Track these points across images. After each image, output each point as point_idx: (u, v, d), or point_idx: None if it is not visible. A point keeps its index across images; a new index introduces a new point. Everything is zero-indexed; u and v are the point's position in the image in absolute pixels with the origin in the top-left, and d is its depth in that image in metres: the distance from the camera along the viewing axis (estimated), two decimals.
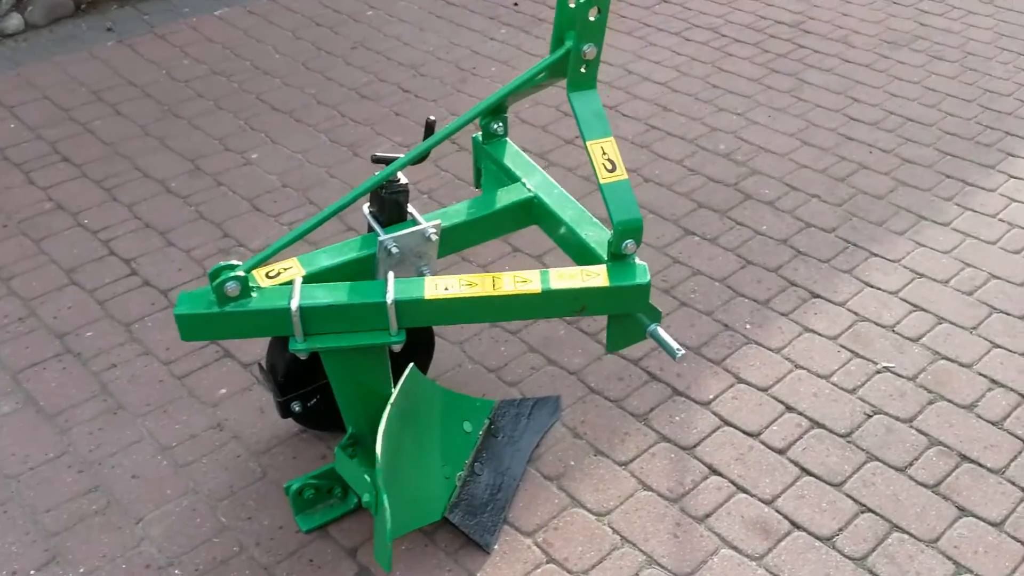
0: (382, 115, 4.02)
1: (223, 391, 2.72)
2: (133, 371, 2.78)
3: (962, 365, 2.78)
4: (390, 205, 2.19)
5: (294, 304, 1.95)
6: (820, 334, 2.90)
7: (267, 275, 2.06)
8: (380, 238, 2.10)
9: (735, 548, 2.29)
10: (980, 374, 2.75)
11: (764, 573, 2.23)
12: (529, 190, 2.31)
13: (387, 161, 2.14)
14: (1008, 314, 2.96)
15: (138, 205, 3.48)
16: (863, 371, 2.77)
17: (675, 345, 2.06)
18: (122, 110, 4.05)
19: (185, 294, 2.01)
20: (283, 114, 4.04)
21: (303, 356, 2.05)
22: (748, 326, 2.93)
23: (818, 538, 2.31)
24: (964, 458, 2.50)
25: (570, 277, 2.03)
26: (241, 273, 1.96)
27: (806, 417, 2.63)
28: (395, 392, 2.04)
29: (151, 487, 2.43)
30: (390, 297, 1.97)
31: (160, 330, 2.92)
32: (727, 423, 2.62)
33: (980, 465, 2.48)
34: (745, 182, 3.58)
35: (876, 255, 3.21)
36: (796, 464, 2.50)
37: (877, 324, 2.93)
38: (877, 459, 2.50)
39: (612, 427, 2.60)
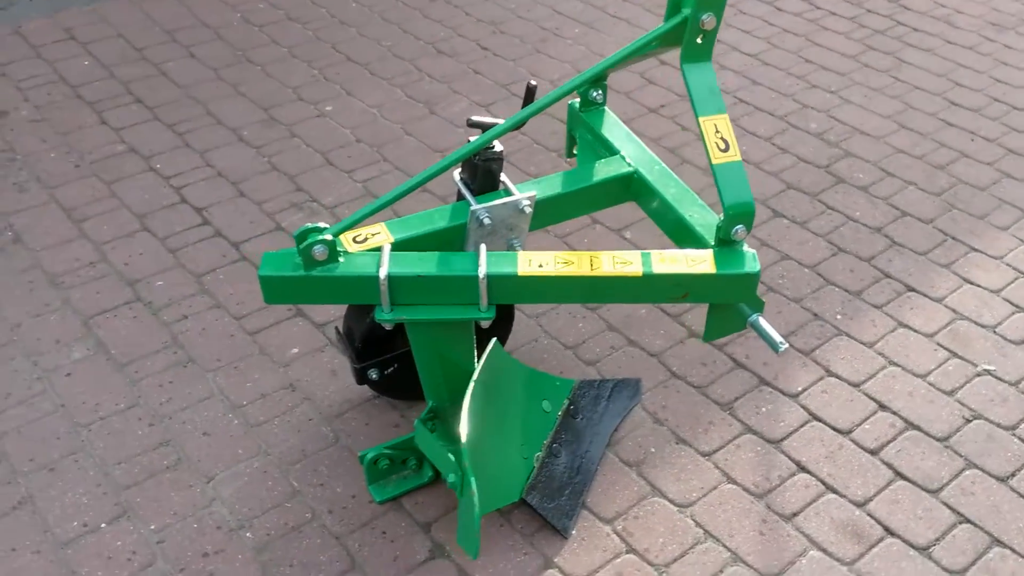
0: (459, 72, 3.90)
1: (295, 351, 2.65)
2: (204, 324, 2.72)
3: None
4: (483, 173, 2.08)
5: (383, 272, 1.86)
6: (916, 330, 2.76)
7: (354, 240, 1.97)
8: (472, 208, 2.00)
9: (824, 550, 2.18)
10: None
11: None
12: (629, 164, 2.19)
13: (484, 127, 2.03)
14: None
15: (210, 152, 3.41)
16: (962, 372, 2.63)
17: (778, 338, 1.94)
18: (196, 52, 3.97)
19: (269, 255, 1.92)
20: (359, 66, 3.93)
21: (388, 327, 1.96)
22: (839, 317, 2.79)
23: (913, 547, 2.19)
24: None
25: (674, 261, 1.91)
26: (329, 237, 1.87)
27: (900, 417, 2.50)
28: (478, 367, 1.96)
29: (222, 446, 2.37)
30: (482, 271, 1.87)
31: (231, 283, 2.85)
32: (816, 418, 2.50)
33: None
34: (838, 164, 3.42)
35: (977, 250, 3.05)
36: (890, 467, 2.37)
37: (977, 324, 2.78)
38: (977, 467, 2.38)
39: (695, 414, 2.50)
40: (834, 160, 3.44)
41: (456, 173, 2.14)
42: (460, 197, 2.12)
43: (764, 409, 2.52)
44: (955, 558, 2.17)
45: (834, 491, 2.32)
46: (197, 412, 2.46)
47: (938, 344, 2.72)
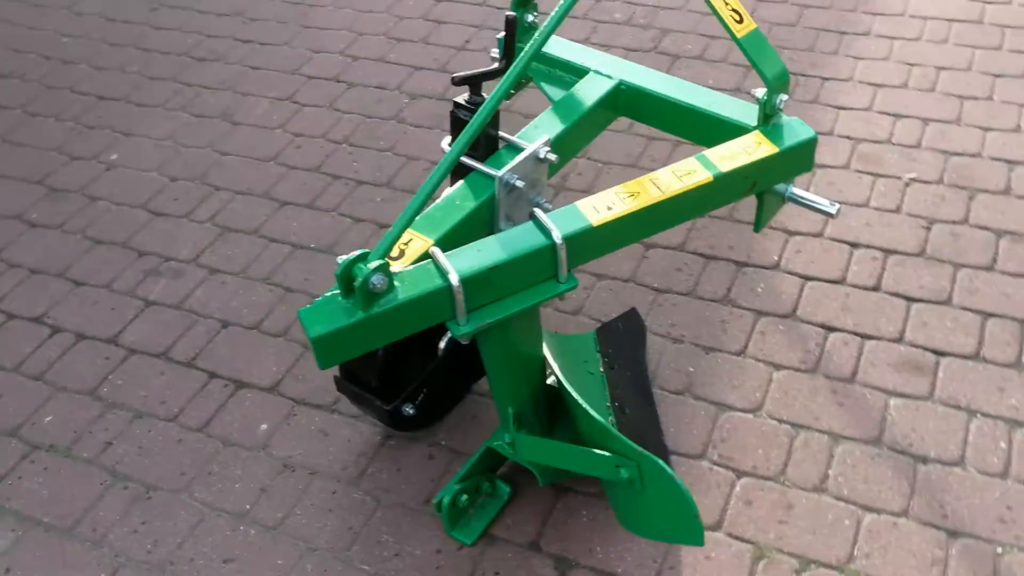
0: (235, 73, 3.44)
1: (263, 427, 2.22)
2: (136, 441, 2.21)
3: (972, 155, 2.79)
4: (485, 136, 1.79)
5: (454, 278, 1.54)
6: (833, 166, 2.80)
7: (391, 259, 1.63)
8: (498, 175, 1.71)
9: (902, 395, 2.17)
10: (993, 158, 2.77)
11: (943, 408, 2.13)
12: (609, 76, 1.97)
13: (472, 82, 1.74)
14: (976, 98, 3.00)
15: (7, 251, 2.76)
16: (894, 188, 2.71)
17: (826, 201, 1.85)
18: None
19: (308, 310, 1.54)
20: (117, 102, 3.34)
21: (466, 341, 1.65)
22: None
23: (967, 357, 2.23)
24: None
25: (733, 156, 1.75)
26: (380, 261, 1.52)
27: (875, 248, 2.53)
28: (549, 356, 1.72)
29: (256, 566, 1.94)
30: (558, 236, 1.61)
31: (136, 383, 2.34)
32: (809, 278, 2.47)
33: None
34: (663, 42, 3.39)
35: (829, 78, 3.15)
36: (898, 295, 2.40)
37: (874, 141, 2.88)
38: (964, 265, 2.46)
39: (703, 319, 2.38)
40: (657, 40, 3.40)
41: (445, 144, 1.82)
42: (457, 174, 1.82)
43: (759, 288, 2.45)
44: (1004, 352, 2.24)
45: (870, 337, 2.31)
46: (199, 542, 2.00)
47: (858, 171, 2.78)
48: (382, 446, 2.17)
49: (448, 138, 1.86)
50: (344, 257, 1.53)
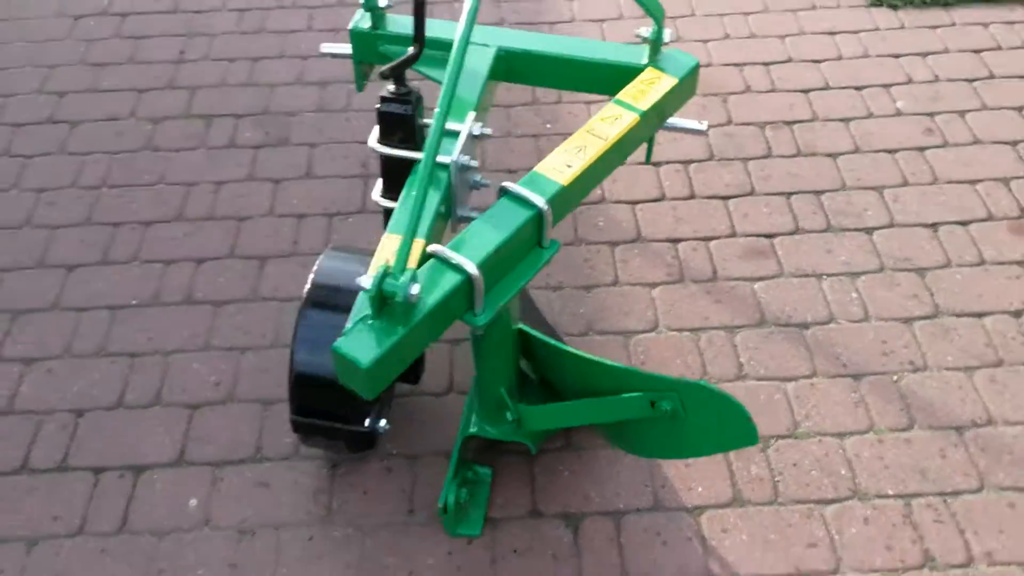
0: None
1: (193, 502, 1.99)
2: (47, 572, 1.88)
3: (706, 65, 3.13)
4: (417, 127, 1.73)
5: (472, 268, 1.51)
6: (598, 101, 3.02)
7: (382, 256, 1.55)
8: (451, 160, 1.67)
9: (760, 278, 2.44)
10: (724, 64, 3.14)
11: (796, 279, 2.43)
12: (486, 45, 1.97)
13: (398, 73, 1.66)
14: (684, 15, 3.36)
15: None
16: None
17: (695, 122, 2.03)
18: None
19: (345, 342, 1.44)
20: None
21: (480, 332, 1.61)
22: None
23: (791, 233, 2.56)
24: None
25: (644, 93, 1.85)
26: (410, 271, 1.45)
27: (674, 162, 2.78)
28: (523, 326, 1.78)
29: None
30: (542, 203, 1.62)
31: (4, 514, 1.98)
32: (635, 202, 2.67)
33: None
34: None
35: (555, 22, 3.35)
36: (712, 197, 2.68)
37: None
38: (749, 158, 2.79)
39: (569, 264, 2.50)
40: None
41: (375, 142, 1.73)
42: (387, 169, 1.73)
43: (600, 222, 2.61)
44: (815, 220, 2.60)
45: (710, 238, 2.56)
46: None
47: None
48: (334, 478, 2.05)
49: (375, 135, 1.77)
50: (365, 279, 1.44)
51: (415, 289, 1.44)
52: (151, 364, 2.29)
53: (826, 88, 3.01)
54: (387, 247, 1.58)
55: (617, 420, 1.75)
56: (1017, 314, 2.33)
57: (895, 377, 2.21)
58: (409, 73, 1.81)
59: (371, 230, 2.60)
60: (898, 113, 2.91)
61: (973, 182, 2.68)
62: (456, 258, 1.54)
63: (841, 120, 2.90)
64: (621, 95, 1.85)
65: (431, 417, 2.15)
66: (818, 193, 2.67)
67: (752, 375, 2.23)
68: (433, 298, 1.50)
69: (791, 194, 2.68)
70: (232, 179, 2.79)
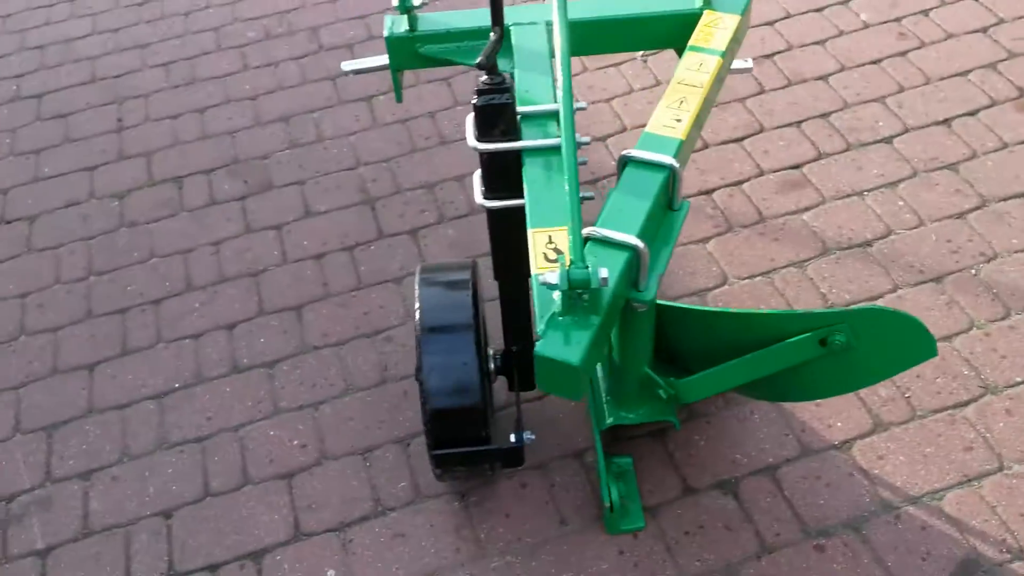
0: None
1: (330, 573, 1.82)
2: None
3: None
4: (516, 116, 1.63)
5: (639, 242, 1.43)
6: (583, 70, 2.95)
7: (548, 258, 1.44)
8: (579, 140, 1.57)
9: (804, 209, 2.42)
10: None
11: (839, 202, 2.42)
12: (535, 23, 1.87)
13: (490, 64, 1.55)
14: None
15: None
16: (638, 66, 2.93)
17: (742, 61, 1.99)
18: None
19: (546, 345, 1.33)
20: None
21: (645, 308, 1.51)
22: None
23: (815, 160, 2.55)
24: None
25: (713, 36, 1.81)
26: (592, 258, 1.36)
27: None
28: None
29: None
30: (671, 160, 1.55)
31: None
32: None
33: None
34: None
35: None
36: (727, 142, 2.64)
37: None
38: (744, 98, 2.77)
39: None
40: None
41: (475, 141, 1.59)
42: (493, 165, 1.61)
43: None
44: (832, 143, 2.59)
45: (740, 182, 2.52)
46: None
47: (599, 67, 2.95)
48: (468, 509, 1.92)
49: (471, 134, 1.63)
50: (551, 275, 1.33)
51: (604, 273, 1.34)
52: (224, 444, 2.09)
53: (788, 16, 3.02)
54: (538, 242, 1.47)
55: (783, 368, 1.68)
56: None
57: (973, 271, 2.22)
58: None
59: (400, 253, 2.46)
60: (866, 25, 2.95)
61: (964, 74, 2.73)
62: (618, 235, 1.44)
63: (816, 43, 2.91)
64: (694, 41, 1.79)
65: (541, 423, 2.04)
66: (825, 116, 2.67)
67: (839, 302, 2.20)
68: (613, 279, 1.40)
69: (800, 122, 2.67)
70: (229, 236, 2.59)
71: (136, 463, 2.09)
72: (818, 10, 3.03)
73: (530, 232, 1.50)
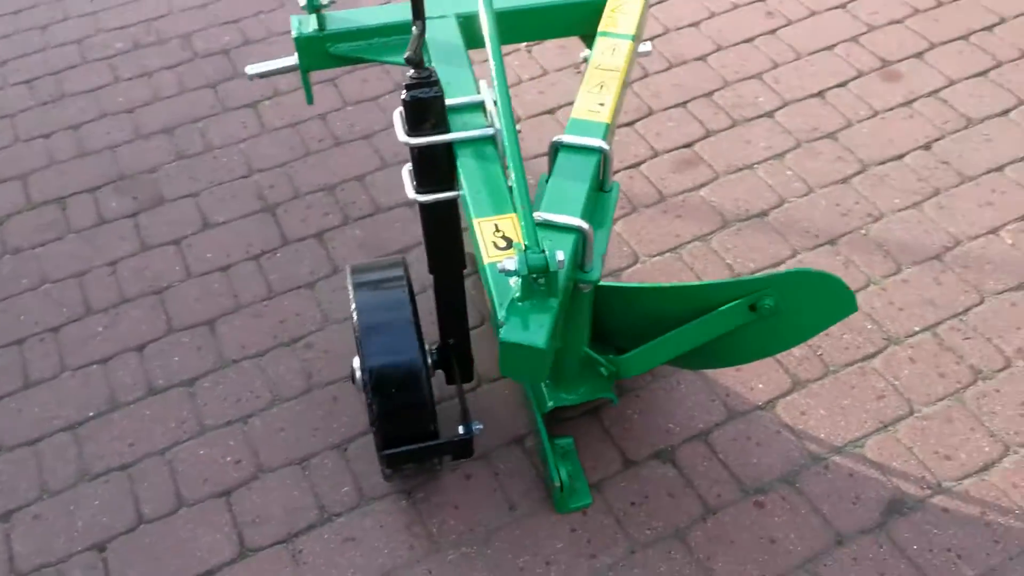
0: None
1: None
2: None
3: None
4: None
5: (584, 224, 1.48)
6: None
7: (495, 244, 1.46)
8: (495, 130, 1.59)
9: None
10: None
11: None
12: (444, 16, 1.87)
13: (419, 53, 1.54)
14: None
15: None
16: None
17: (644, 45, 2.06)
18: None
19: (510, 332, 1.36)
20: None
21: (589, 288, 1.55)
22: None
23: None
24: None
25: (619, 21, 1.87)
26: (547, 242, 1.38)
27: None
28: None
29: None
30: (601, 143, 1.61)
31: None
32: None
33: None
34: None
35: None
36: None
37: None
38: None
39: None
40: None
41: (405, 136, 1.59)
42: (424, 159, 1.61)
43: None
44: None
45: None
46: None
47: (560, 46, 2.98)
48: (416, 505, 1.91)
49: (400, 129, 1.62)
50: (509, 261, 1.35)
51: (561, 256, 1.37)
52: (152, 469, 2.02)
53: (663, 1, 3.13)
54: (485, 231, 1.49)
55: (716, 336, 1.75)
56: (927, 146, 2.56)
57: (863, 231, 2.37)
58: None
59: (308, 257, 2.42)
60: (735, 6, 3.08)
61: (830, 48, 2.89)
62: (563, 219, 1.48)
63: (691, 25, 3.02)
64: (604, 27, 1.85)
65: (477, 413, 2.05)
66: (708, 95, 2.78)
67: (744, 271, 2.30)
68: (567, 260, 1.43)
69: (686, 103, 2.77)
70: (125, 255, 2.49)
71: (58, 498, 1.99)
72: None
73: (475, 222, 1.51)
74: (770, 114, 2.70)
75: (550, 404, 1.89)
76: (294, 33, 1.86)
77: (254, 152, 2.76)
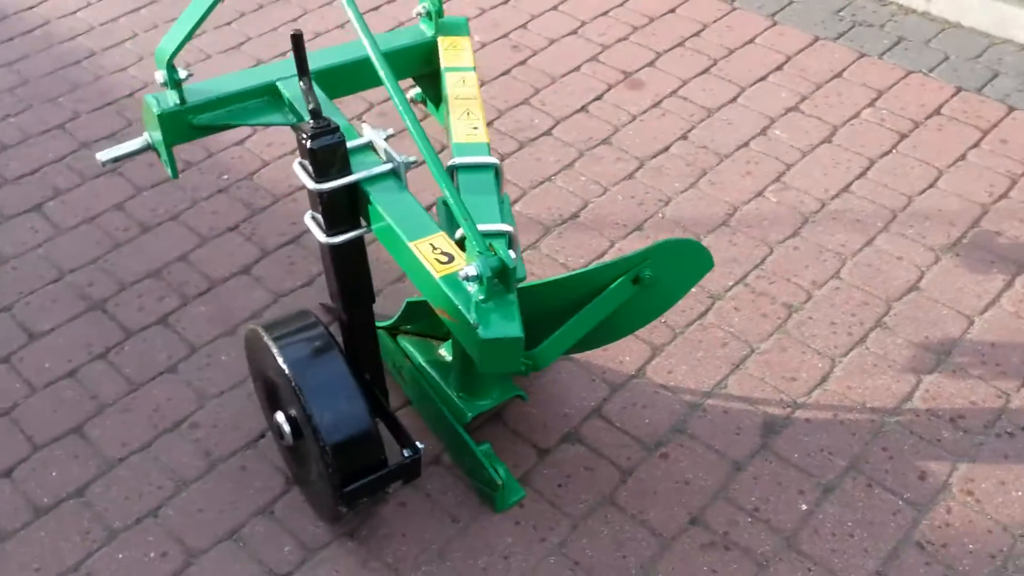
0: None
1: None
2: None
3: None
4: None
5: (507, 227, 1.66)
6: None
7: (439, 260, 1.58)
8: (400, 161, 1.71)
9: None
10: None
11: None
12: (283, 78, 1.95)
13: (317, 110, 1.63)
14: None
15: None
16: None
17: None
18: None
19: (489, 329, 1.51)
20: None
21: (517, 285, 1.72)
22: None
23: None
24: None
25: (458, 56, 2.06)
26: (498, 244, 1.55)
27: None
28: None
29: None
30: (494, 159, 1.83)
31: None
32: None
33: None
34: None
35: None
36: None
37: None
38: None
39: None
40: None
41: (314, 184, 1.66)
42: (334, 202, 1.70)
43: None
44: None
45: None
46: None
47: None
48: (362, 546, 1.97)
49: (307, 178, 1.68)
50: (470, 268, 1.50)
51: (513, 254, 1.53)
52: None
53: None
54: (424, 251, 1.61)
55: (610, 313, 1.97)
56: (684, 136, 2.97)
57: (660, 215, 2.72)
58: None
59: (159, 343, 2.37)
60: (483, 45, 3.37)
61: (577, 68, 3.26)
62: (490, 226, 1.65)
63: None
64: (447, 64, 2.03)
65: (387, 440, 2.13)
66: (490, 124, 3.04)
67: (577, 266, 2.56)
68: (516, 257, 1.60)
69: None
70: None
71: None
72: None
73: (412, 245, 1.63)
74: (548, 132, 3.00)
75: (470, 415, 2.02)
76: (156, 111, 1.86)
77: (57, 254, 2.63)
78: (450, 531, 2.01)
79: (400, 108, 1.63)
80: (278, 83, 1.94)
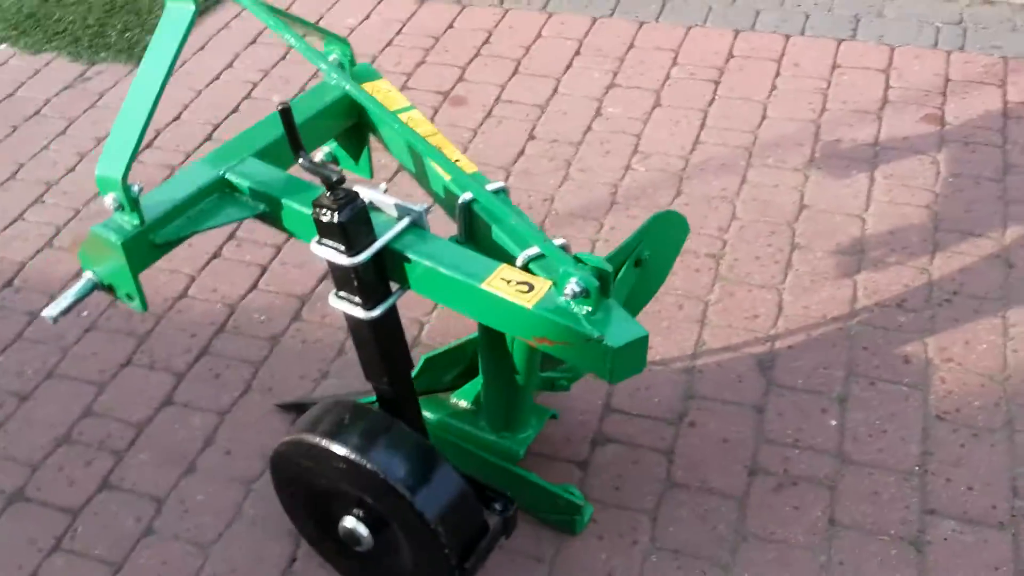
0: None
1: None
2: None
3: None
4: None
5: (562, 240, 1.60)
6: None
7: (521, 290, 1.51)
8: (418, 210, 1.59)
9: None
10: None
11: None
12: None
13: (337, 183, 1.48)
14: None
15: None
16: None
17: None
18: None
19: (614, 336, 1.45)
20: None
21: None
22: None
23: None
24: None
25: (391, 99, 1.95)
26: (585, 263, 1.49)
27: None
28: None
29: None
30: (500, 183, 1.74)
31: None
32: None
33: None
34: None
35: None
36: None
37: None
38: None
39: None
40: None
41: (350, 259, 1.50)
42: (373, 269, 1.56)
43: None
44: None
45: None
46: None
47: None
48: None
49: (335, 256, 1.50)
50: (571, 287, 1.45)
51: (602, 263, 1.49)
52: None
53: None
54: (501, 288, 1.52)
55: (623, 302, 1.96)
56: (531, 136, 3.01)
57: (555, 212, 2.74)
58: None
59: (123, 509, 2.04)
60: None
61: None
62: (556, 241, 1.59)
63: None
64: (391, 107, 1.90)
65: None
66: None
67: None
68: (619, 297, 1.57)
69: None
70: None
71: None
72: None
73: (485, 286, 1.53)
74: (400, 169, 2.92)
75: (521, 451, 1.94)
76: (116, 239, 1.58)
77: None
78: (541, 572, 1.92)
79: (420, 147, 1.53)
80: (227, 175, 1.73)
